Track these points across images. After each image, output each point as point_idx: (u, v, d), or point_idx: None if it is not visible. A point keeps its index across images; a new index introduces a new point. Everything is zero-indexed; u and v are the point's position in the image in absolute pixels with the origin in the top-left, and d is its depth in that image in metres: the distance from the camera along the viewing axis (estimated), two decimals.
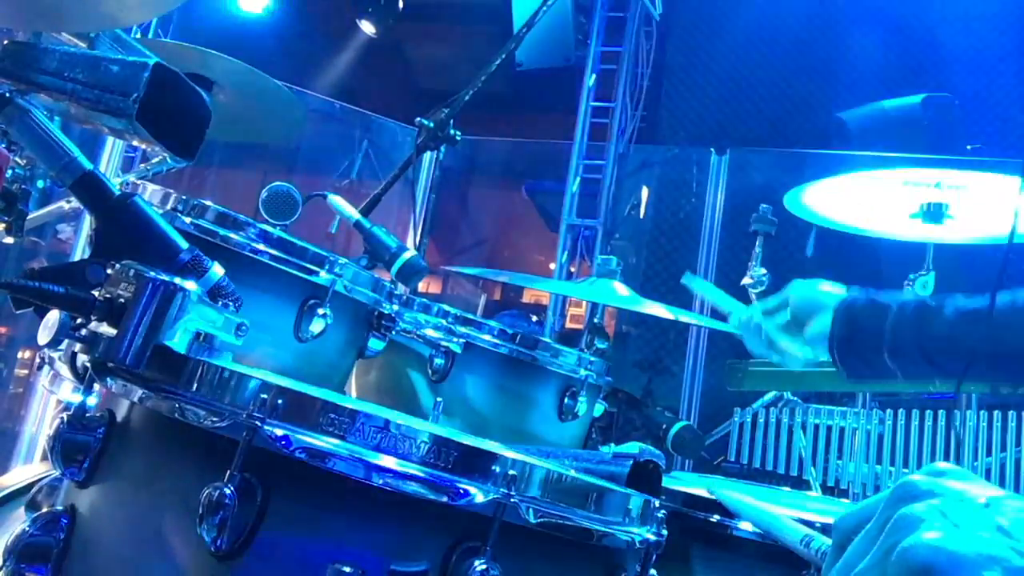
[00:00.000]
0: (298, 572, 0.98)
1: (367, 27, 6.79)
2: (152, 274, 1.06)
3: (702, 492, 1.61)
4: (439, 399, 1.59)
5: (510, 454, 1.06)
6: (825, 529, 1.40)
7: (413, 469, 0.99)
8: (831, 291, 1.57)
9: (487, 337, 1.84)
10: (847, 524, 0.62)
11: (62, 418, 1.10)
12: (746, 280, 2.90)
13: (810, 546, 0.79)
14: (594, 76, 5.81)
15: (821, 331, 1.54)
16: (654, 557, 1.17)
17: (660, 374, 5.16)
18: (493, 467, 1.01)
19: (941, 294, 1.50)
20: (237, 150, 6.11)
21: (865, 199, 2.81)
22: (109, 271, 1.10)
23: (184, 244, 1.18)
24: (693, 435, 1.96)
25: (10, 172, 1.35)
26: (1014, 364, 1.44)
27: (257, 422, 0.97)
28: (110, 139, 4.32)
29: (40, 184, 1.46)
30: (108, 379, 1.12)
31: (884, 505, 0.58)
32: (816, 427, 3.09)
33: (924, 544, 0.52)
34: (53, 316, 1.14)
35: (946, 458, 2.91)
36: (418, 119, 2.51)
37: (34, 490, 1.41)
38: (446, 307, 1.84)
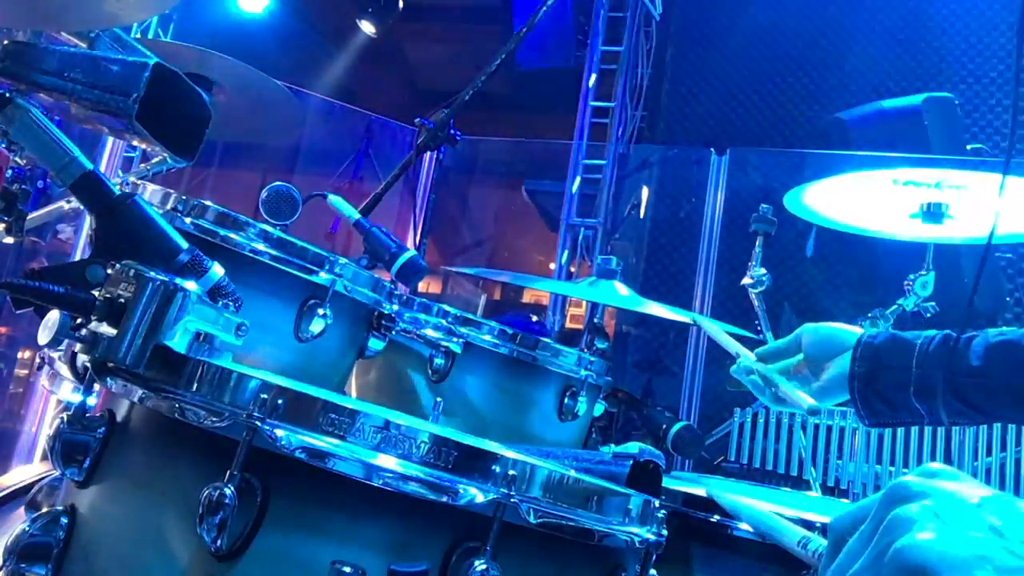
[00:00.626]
0: (298, 572, 0.98)
1: (367, 27, 6.79)
2: (152, 274, 1.07)
3: (702, 492, 1.61)
4: (439, 399, 1.59)
5: (510, 454, 1.06)
6: (825, 530, 1.40)
7: (413, 469, 0.98)
8: (847, 329, 1.48)
9: (487, 337, 1.84)
10: (842, 525, 0.62)
11: (62, 418, 1.10)
12: (746, 280, 2.90)
13: (807, 548, 0.79)
14: (594, 76, 5.81)
15: (840, 372, 1.43)
16: (654, 557, 1.17)
17: (660, 374, 5.16)
18: (493, 467, 1.01)
19: (965, 332, 1.38)
20: (237, 150, 6.11)
21: (865, 199, 2.81)
22: (109, 271, 1.10)
23: (184, 244, 1.18)
24: (693, 435, 1.95)
25: (10, 172, 1.35)
26: None
27: (257, 422, 0.97)
28: (110, 139, 4.32)
29: (40, 184, 1.46)
30: (108, 379, 1.12)
31: (878, 506, 0.59)
32: (816, 427, 3.09)
33: (917, 544, 0.52)
34: (53, 316, 1.14)
35: (946, 458, 2.91)
36: (418, 119, 2.51)
37: (34, 490, 1.41)
38: (446, 307, 1.84)
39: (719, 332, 1.73)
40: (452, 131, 2.50)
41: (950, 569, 0.50)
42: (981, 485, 0.58)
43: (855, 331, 1.46)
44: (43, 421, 4.20)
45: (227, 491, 0.95)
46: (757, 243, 2.89)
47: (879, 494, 0.60)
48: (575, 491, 1.08)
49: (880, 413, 1.42)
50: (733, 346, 1.63)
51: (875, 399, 1.41)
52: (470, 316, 1.86)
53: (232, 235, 1.46)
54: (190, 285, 1.09)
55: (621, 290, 2.24)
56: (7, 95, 1.16)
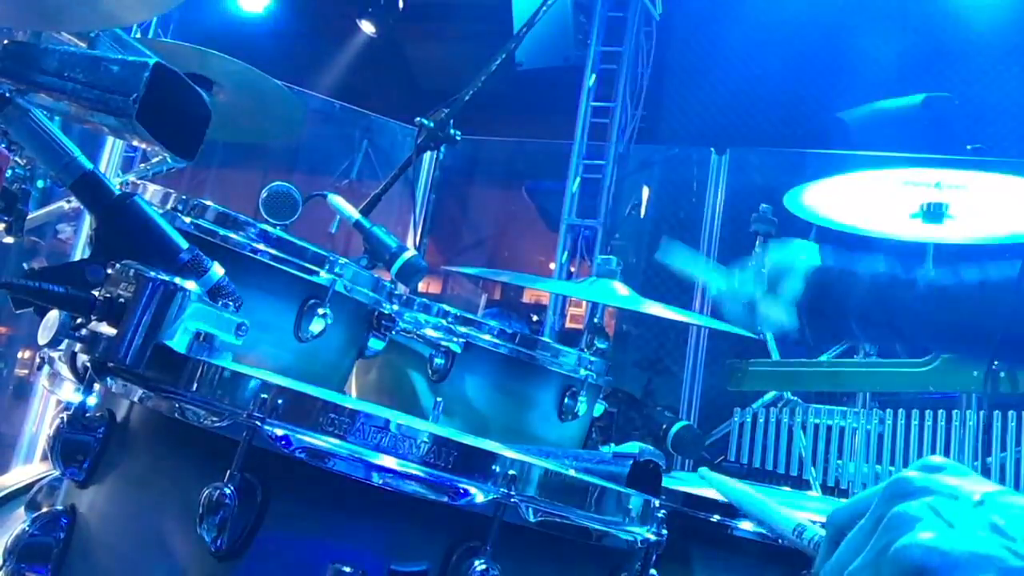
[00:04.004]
0: (298, 572, 0.98)
1: (367, 27, 6.80)
2: (152, 274, 1.06)
3: (702, 491, 1.61)
4: (439, 399, 1.59)
5: (510, 454, 1.06)
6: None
7: (413, 469, 0.98)
8: (805, 256, 1.60)
9: (487, 337, 1.84)
10: (840, 519, 0.62)
11: (62, 418, 1.10)
12: None
13: (802, 536, 0.79)
14: (594, 76, 5.81)
15: (792, 295, 1.56)
16: (654, 557, 1.17)
17: (660, 374, 5.16)
18: (493, 467, 1.01)
19: (913, 267, 1.52)
20: (237, 150, 6.10)
21: (865, 199, 2.81)
22: (109, 271, 1.10)
23: (184, 244, 1.18)
24: (693, 435, 1.96)
25: (10, 172, 1.35)
26: (980, 341, 1.46)
27: (257, 422, 0.97)
28: (110, 139, 4.32)
29: (40, 184, 1.46)
30: (108, 379, 1.11)
31: (878, 501, 0.58)
32: (816, 427, 3.09)
33: (919, 544, 0.52)
34: (53, 316, 1.14)
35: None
36: (418, 119, 2.51)
37: (34, 490, 1.41)
38: (446, 307, 1.84)
39: (689, 257, 1.85)
40: (452, 131, 2.49)
41: (952, 570, 0.50)
42: (983, 480, 0.58)
43: (811, 258, 1.60)
44: (43, 421, 4.20)
45: (227, 491, 0.95)
46: (757, 243, 2.89)
47: (879, 487, 0.59)
48: (575, 491, 1.08)
49: (822, 332, 1.60)
50: (703, 269, 1.79)
51: (820, 320, 1.57)
52: (470, 316, 1.85)
53: (232, 235, 1.46)
54: (190, 285, 1.09)
55: (621, 290, 2.24)
56: (7, 95, 1.16)
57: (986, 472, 2.85)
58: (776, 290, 1.60)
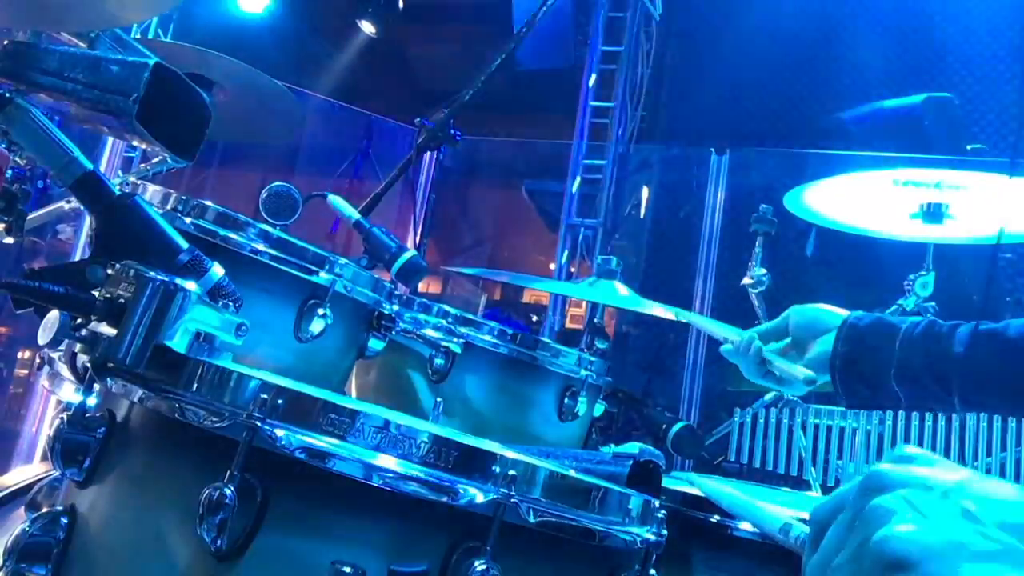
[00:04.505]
0: (298, 572, 0.98)
1: (367, 27, 6.79)
2: (152, 274, 1.07)
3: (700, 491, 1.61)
4: (439, 399, 1.59)
5: (510, 454, 1.06)
6: None
7: (413, 469, 0.98)
8: (835, 311, 1.47)
9: (487, 337, 1.84)
10: (821, 515, 0.63)
11: (62, 418, 1.10)
12: (746, 280, 2.90)
13: (788, 534, 0.79)
14: (594, 76, 5.81)
15: (823, 351, 1.43)
16: (654, 557, 1.17)
17: (660, 374, 5.15)
18: (493, 467, 1.01)
19: (950, 321, 1.38)
20: (237, 150, 6.10)
21: (865, 199, 2.81)
22: (109, 271, 1.10)
23: (184, 244, 1.18)
24: (693, 435, 1.95)
25: (10, 172, 1.35)
26: None
27: (257, 422, 0.97)
28: (110, 139, 4.32)
29: (40, 184, 1.46)
30: (108, 379, 1.11)
31: (855, 495, 0.59)
32: (816, 427, 3.09)
33: (896, 536, 0.53)
34: (53, 316, 1.14)
35: (946, 458, 2.91)
36: (418, 119, 2.51)
37: (34, 490, 1.41)
38: (446, 307, 1.84)
39: (705, 322, 1.74)
40: (452, 131, 2.49)
41: (928, 559, 0.52)
42: (957, 468, 0.59)
43: (842, 313, 1.46)
44: (43, 421, 4.20)
45: (227, 491, 0.95)
46: (757, 243, 2.89)
47: (856, 481, 0.61)
48: (575, 491, 1.08)
49: (859, 394, 1.42)
50: (721, 331, 1.65)
51: (855, 380, 1.41)
52: (470, 316, 1.86)
53: (232, 235, 1.46)
54: (190, 285, 1.09)
55: (621, 290, 2.24)
56: (7, 95, 1.16)
57: (986, 472, 2.85)
58: (804, 350, 1.47)
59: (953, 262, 3.04)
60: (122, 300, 1.06)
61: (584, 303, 5.16)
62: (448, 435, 1.05)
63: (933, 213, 2.65)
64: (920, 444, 2.96)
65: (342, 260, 1.57)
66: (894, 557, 0.53)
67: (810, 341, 1.48)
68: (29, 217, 1.45)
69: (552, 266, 5.75)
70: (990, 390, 1.34)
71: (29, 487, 1.71)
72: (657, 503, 1.19)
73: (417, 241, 2.64)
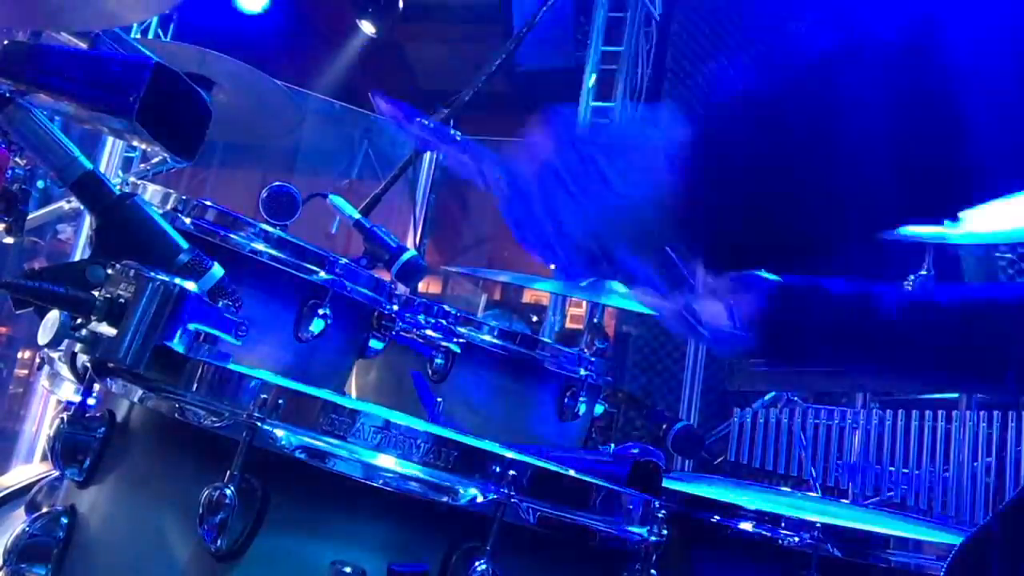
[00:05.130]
0: (298, 572, 0.98)
1: (367, 27, 6.79)
2: (152, 274, 1.06)
3: (702, 492, 1.61)
4: (439, 399, 1.59)
5: (510, 454, 1.06)
6: (826, 529, 1.41)
7: (413, 469, 0.98)
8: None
9: (487, 337, 1.84)
10: None
11: (62, 418, 1.10)
12: None
13: None
14: (594, 76, 5.81)
15: (749, 309, 1.41)
16: (654, 557, 1.17)
17: (660, 374, 5.15)
18: (493, 467, 1.01)
19: (884, 287, 1.39)
20: (237, 150, 6.11)
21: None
22: (109, 271, 1.10)
23: (184, 244, 1.18)
24: (693, 435, 1.96)
25: (10, 172, 1.35)
26: (963, 359, 1.34)
27: (257, 422, 0.97)
28: (110, 139, 4.32)
29: (40, 184, 1.46)
30: (108, 379, 1.12)
31: None
32: (816, 427, 3.09)
33: None
34: (53, 316, 1.14)
35: (945, 458, 2.91)
36: (418, 119, 2.50)
37: (34, 490, 1.41)
38: (446, 307, 1.84)
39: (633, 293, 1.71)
40: (452, 131, 2.49)
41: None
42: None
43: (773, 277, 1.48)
44: (43, 421, 4.20)
45: (227, 491, 0.95)
46: None
47: None
48: (575, 491, 1.08)
49: (783, 351, 1.43)
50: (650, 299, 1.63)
51: (781, 336, 1.41)
52: (470, 316, 1.86)
53: (232, 235, 1.46)
54: (190, 285, 1.09)
55: (621, 290, 2.24)
56: (7, 95, 1.16)
57: (986, 472, 2.85)
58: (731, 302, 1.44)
59: (953, 262, 3.04)
60: (122, 300, 1.06)
61: (584, 303, 5.17)
62: (448, 435, 1.04)
63: None
64: (919, 443, 2.96)
65: (342, 260, 1.57)
66: None
67: (739, 293, 1.46)
68: (29, 217, 1.45)
69: (552, 266, 5.74)
70: (917, 359, 1.36)
71: (29, 487, 1.71)
72: (657, 503, 1.19)
73: (417, 241, 2.64)
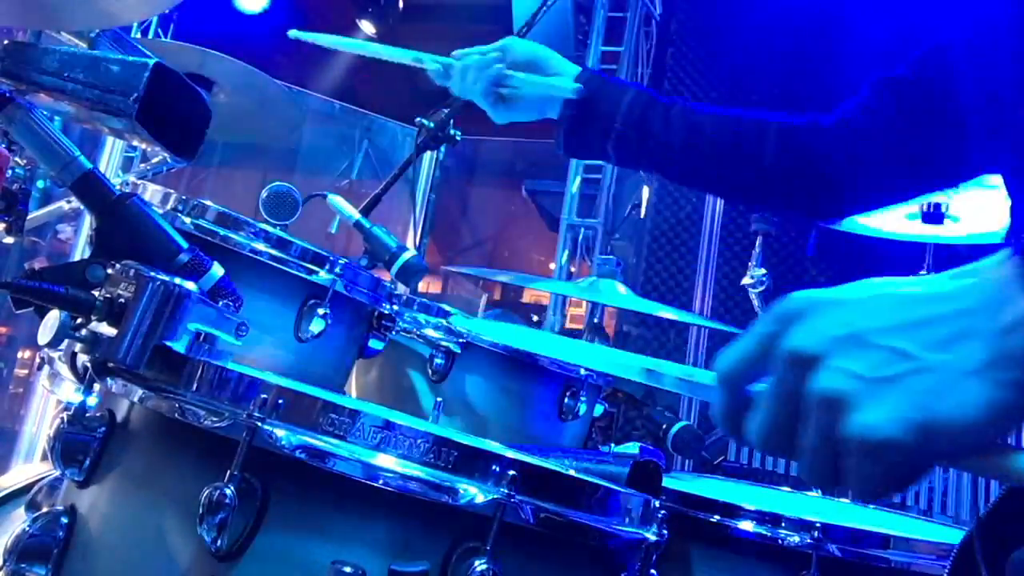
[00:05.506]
0: (298, 572, 0.98)
1: (367, 27, 6.80)
2: (152, 274, 1.07)
3: (702, 492, 1.61)
4: (439, 399, 1.59)
5: (510, 454, 1.06)
6: (826, 529, 1.41)
7: (413, 469, 0.99)
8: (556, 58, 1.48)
9: (487, 337, 1.84)
10: (732, 374, 0.63)
11: (62, 418, 1.10)
12: (746, 280, 2.90)
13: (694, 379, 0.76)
14: None
15: (556, 86, 1.43)
16: (654, 557, 1.17)
17: None
18: (493, 467, 1.01)
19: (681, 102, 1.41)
20: (237, 150, 6.11)
21: None
22: (109, 271, 1.10)
23: (184, 244, 1.18)
24: (693, 435, 1.96)
25: (10, 172, 1.35)
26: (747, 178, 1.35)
27: (257, 422, 0.97)
28: (110, 139, 4.32)
29: (40, 184, 1.46)
30: (108, 379, 1.12)
31: (783, 369, 0.60)
32: None
33: (865, 424, 0.55)
34: (53, 316, 1.14)
35: None
36: (418, 119, 2.50)
37: (34, 490, 1.41)
38: (446, 307, 1.84)
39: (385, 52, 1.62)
40: (452, 131, 2.49)
41: (893, 423, 0.54)
42: (839, 294, 0.60)
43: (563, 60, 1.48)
44: (43, 421, 4.20)
45: (227, 491, 0.95)
46: (757, 243, 2.89)
47: (760, 332, 0.61)
48: (575, 491, 1.08)
49: (580, 142, 1.45)
50: (409, 55, 1.60)
51: (582, 125, 1.44)
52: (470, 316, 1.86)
53: (232, 235, 1.46)
54: (190, 285, 1.09)
55: (621, 290, 2.24)
56: (7, 95, 1.16)
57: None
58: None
59: (953, 262, 3.03)
60: (122, 300, 1.06)
61: (584, 303, 5.17)
62: (448, 435, 1.05)
63: (933, 213, 2.64)
64: None
65: (342, 260, 1.57)
66: (877, 440, 0.55)
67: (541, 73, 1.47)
68: (29, 217, 1.44)
69: (552, 266, 5.75)
70: (696, 174, 1.40)
71: (29, 487, 1.71)
72: (657, 503, 1.19)
73: (417, 241, 2.64)
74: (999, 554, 0.79)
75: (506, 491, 1.00)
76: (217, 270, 1.19)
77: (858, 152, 1.29)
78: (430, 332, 1.80)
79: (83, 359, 1.27)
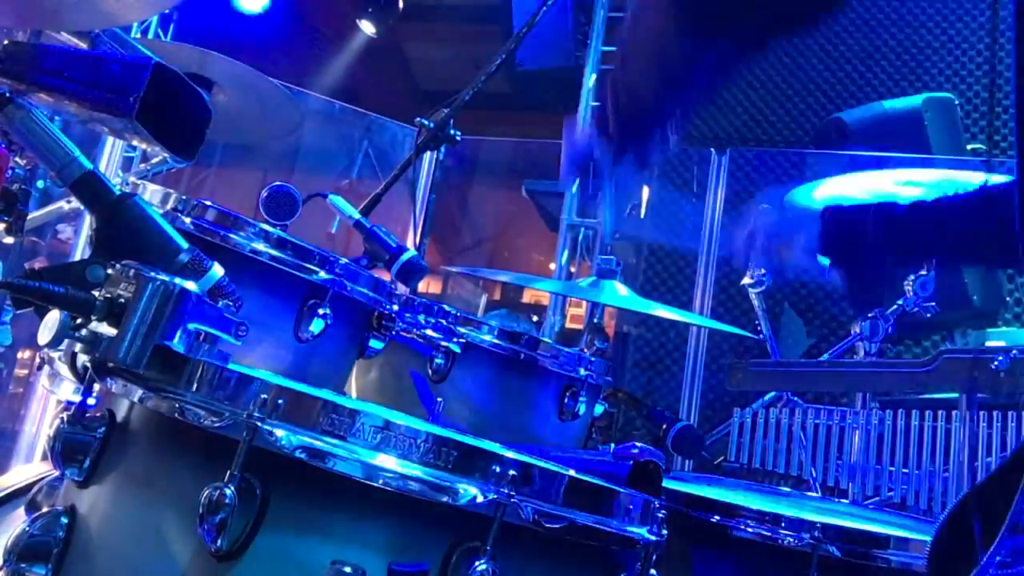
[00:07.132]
0: (298, 572, 0.98)
1: (367, 27, 6.79)
2: (152, 274, 1.06)
3: (702, 492, 1.61)
4: (439, 399, 1.59)
5: (510, 454, 1.06)
6: (825, 529, 1.41)
7: (413, 469, 0.99)
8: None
9: (487, 337, 1.84)
10: None
11: (62, 418, 1.10)
12: (746, 280, 2.90)
13: None
14: (594, 76, 5.80)
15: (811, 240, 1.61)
16: (654, 557, 1.17)
17: (660, 374, 5.15)
18: (493, 467, 1.01)
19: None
20: (237, 150, 6.10)
21: (865, 199, 2.81)
22: (109, 271, 1.10)
23: (184, 244, 1.18)
24: (693, 435, 1.96)
25: (10, 172, 1.35)
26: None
27: (257, 422, 0.97)
28: (110, 139, 4.32)
29: (40, 184, 1.46)
30: (108, 379, 1.12)
31: None
32: (816, 427, 3.09)
33: None
34: (53, 316, 1.13)
35: (945, 457, 2.91)
36: (418, 119, 2.51)
37: (34, 490, 1.41)
38: (446, 307, 1.84)
39: None
40: (452, 131, 2.49)
41: None
42: None
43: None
44: (43, 421, 4.20)
45: (227, 491, 0.95)
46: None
47: None
48: (575, 491, 1.08)
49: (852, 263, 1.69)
50: None
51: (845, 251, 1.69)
52: (470, 316, 1.86)
53: (232, 235, 1.46)
54: (190, 285, 1.09)
55: (621, 290, 2.24)
56: (7, 95, 1.16)
57: (986, 472, 2.85)
58: (793, 240, 1.62)
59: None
60: (122, 300, 1.06)
61: (584, 303, 5.16)
62: (448, 435, 1.05)
63: None
64: (919, 444, 2.96)
65: (342, 260, 1.57)
66: None
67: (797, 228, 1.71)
68: (29, 217, 1.45)
69: (552, 266, 5.74)
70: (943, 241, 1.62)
71: (29, 487, 1.71)
72: (657, 503, 1.19)
73: (417, 241, 2.64)
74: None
75: (506, 491, 1.00)
76: (217, 270, 1.19)
77: None
78: (430, 332, 1.80)
79: (83, 359, 1.27)
